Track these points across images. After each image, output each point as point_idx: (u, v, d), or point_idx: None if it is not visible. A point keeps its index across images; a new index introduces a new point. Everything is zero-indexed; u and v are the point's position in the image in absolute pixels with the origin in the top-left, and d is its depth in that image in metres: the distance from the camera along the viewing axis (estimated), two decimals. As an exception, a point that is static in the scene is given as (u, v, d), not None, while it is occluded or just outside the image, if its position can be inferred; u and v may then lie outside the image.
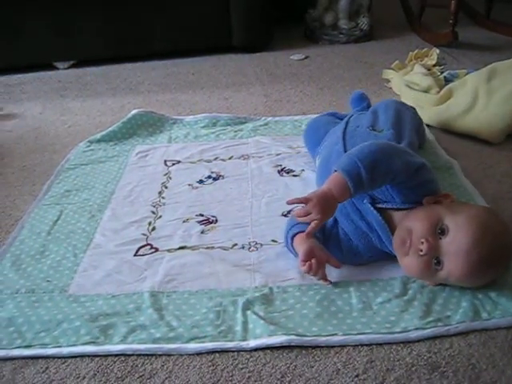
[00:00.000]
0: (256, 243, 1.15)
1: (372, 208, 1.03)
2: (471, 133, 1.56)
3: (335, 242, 1.07)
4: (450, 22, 2.32)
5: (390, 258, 1.04)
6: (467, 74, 1.79)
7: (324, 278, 1.01)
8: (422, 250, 0.92)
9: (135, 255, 1.14)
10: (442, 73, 1.90)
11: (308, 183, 1.35)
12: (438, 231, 0.92)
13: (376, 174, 0.96)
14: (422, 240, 0.92)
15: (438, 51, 2.05)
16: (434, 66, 1.98)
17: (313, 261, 0.99)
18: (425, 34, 2.55)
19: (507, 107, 1.51)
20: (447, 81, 1.82)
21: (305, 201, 0.98)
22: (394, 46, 2.49)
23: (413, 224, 0.95)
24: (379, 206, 1.03)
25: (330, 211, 0.98)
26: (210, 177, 1.43)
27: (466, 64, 2.13)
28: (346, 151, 1.13)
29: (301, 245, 1.03)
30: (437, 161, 1.42)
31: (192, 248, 1.15)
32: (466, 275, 0.92)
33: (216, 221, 1.24)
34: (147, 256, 1.14)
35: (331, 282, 1.01)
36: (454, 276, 0.93)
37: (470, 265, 0.90)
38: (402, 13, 2.82)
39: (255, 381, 0.84)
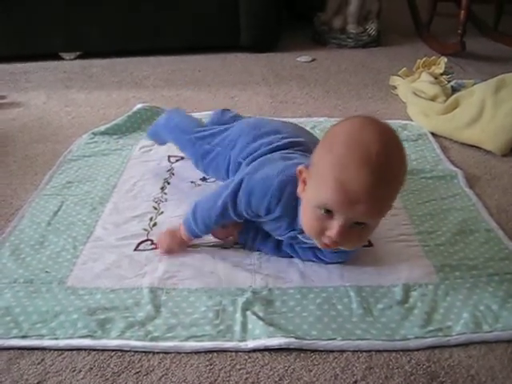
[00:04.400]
0: (257, 243, 1.14)
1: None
2: (477, 143, 1.56)
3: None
4: (459, 32, 2.31)
5: (391, 264, 1.06)
6: (474, 84, 1.78)
7: None
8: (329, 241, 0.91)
9: (135, 250, 1.13)
10: (449, 82, 1.90)
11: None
12: (326, 211, 0.87)
13: (204, 225, 1.08)
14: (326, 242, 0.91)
15: (445, 60, 2.05)
16: (442, 74, 1.98)
17: None
18: (432, 42, 2.55)
19: (514, 119, 1.51)
20: (454, 90, 1.81)
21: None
22: (401, 52, 2.49)
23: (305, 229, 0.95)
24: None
25: (176, 247, 1.12)
26: (213, 175, 1.42)
27: (473, 74, 2.13)
28: None
29: None
30: (441, 170, 1.42)
31: (193, 245, 1.14)
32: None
33: (218, 219, 1.23)
34: (147, 251, 1.13)
35: None
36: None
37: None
38: (410, 20, 2.82)
39: (253, 382, 0.83)
